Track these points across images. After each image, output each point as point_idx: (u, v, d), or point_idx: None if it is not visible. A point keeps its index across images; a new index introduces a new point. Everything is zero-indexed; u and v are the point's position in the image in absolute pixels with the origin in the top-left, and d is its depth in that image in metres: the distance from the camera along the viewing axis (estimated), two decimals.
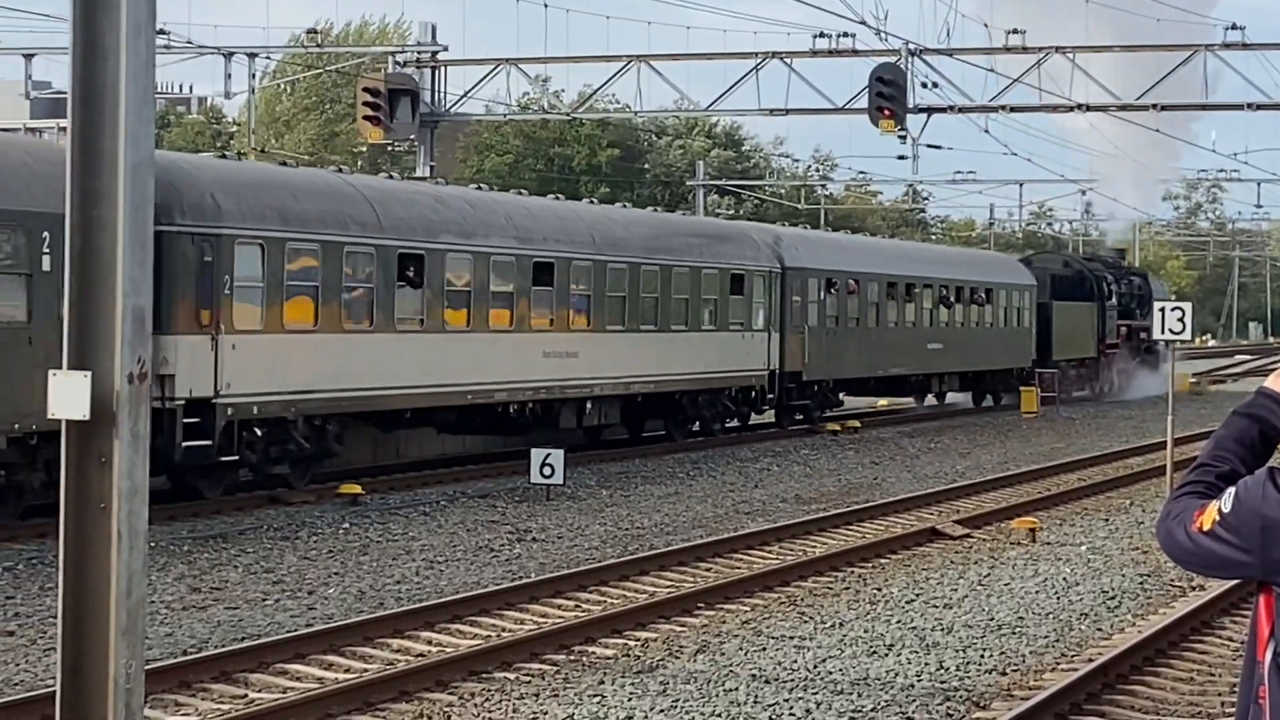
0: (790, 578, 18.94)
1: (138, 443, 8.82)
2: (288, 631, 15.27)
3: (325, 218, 25.48)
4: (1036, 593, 18.22)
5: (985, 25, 44.94)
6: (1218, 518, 4.05)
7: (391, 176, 31.95)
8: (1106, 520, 24.66)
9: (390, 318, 26.55)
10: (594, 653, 14.79)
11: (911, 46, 40.15)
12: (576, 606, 17.25)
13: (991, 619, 16.60)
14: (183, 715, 12.58)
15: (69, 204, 8.88)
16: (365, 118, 41.38)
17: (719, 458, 32.82)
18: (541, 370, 30.18)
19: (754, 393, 37.56)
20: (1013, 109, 42.37)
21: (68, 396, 8.74)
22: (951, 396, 51.29)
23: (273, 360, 24.09)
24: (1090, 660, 14.38)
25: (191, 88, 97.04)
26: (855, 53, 40.12)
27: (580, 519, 23.69)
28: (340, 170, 29.80)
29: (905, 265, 46.41)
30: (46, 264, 19.95)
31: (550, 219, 31.64)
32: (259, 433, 24.11)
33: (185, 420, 22.50)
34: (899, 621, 16.35)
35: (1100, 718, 12.94)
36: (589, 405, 31.90)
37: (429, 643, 15.25)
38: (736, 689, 13.32)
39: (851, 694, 13.27)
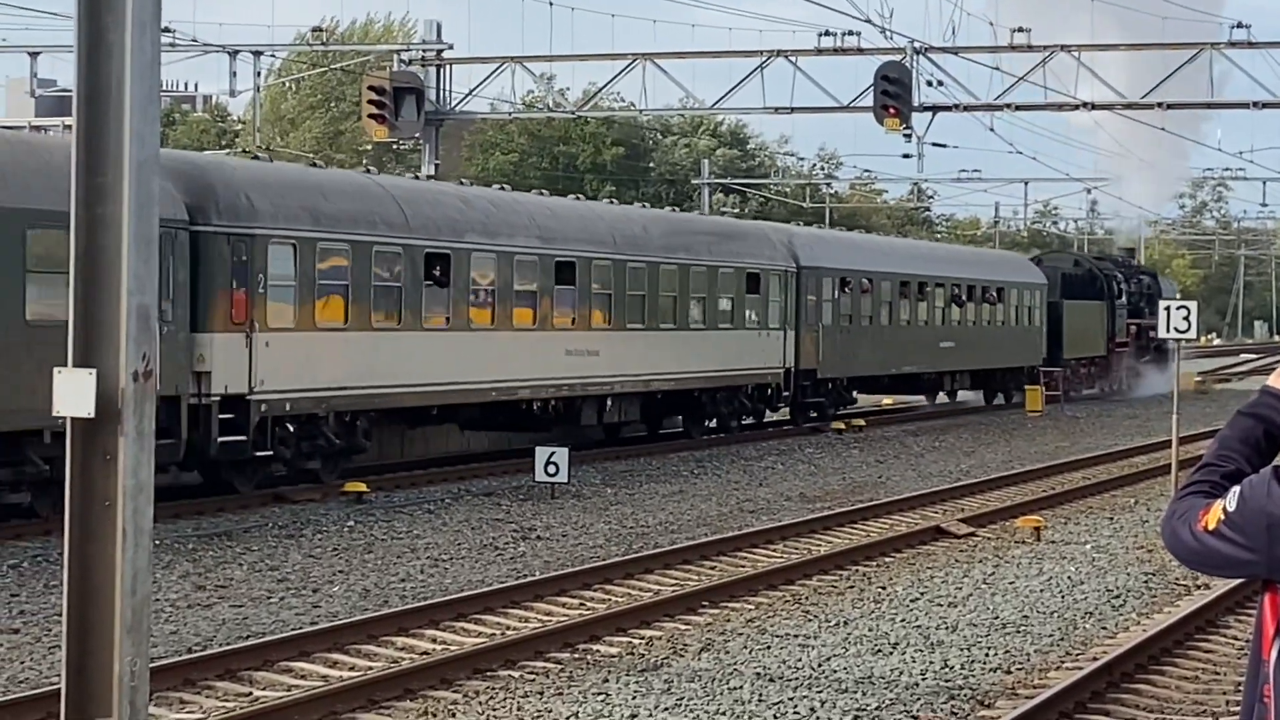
0: (795, 576, 18.94)
1: (143, 440, 8.82)
2: (292, 629, 15.27)
3: (355, 218, 25.98)
4: (1041, 591, 18.21)
5: (991, 23, 45.15)
6: (1223, 517, 4.05)
7: (417, 177, 32.46)
8: (1111, 519, 24.65)
9: (418, 316, 27.05)
10: (598, 651, 14.79)
11: (917, 45, 40.15)
12: (581, 605, 17.25)
13: (996, 617, 16.59)
14: (188, 713, 12.59)
15: (74, 201, 8.89)
16: (370, 116, 41.39)
17: (724, 456, 32.83)
18: (564, 368, 30.69)
19: (770, 390, 38.03)
20: (1018, 107, 42.36)
21: (73, 394, 8.74)
22: (963, 395, 51.53)
23: (305, 357, 24.60)
24: (1095, 659, 14.37)
25: (196, 86, 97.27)
26: (860, 51, 40.11)
27: (585, 517, 23.70)
28: (369, 171, 30.32)
29: (918, 264, 46.82)
30: None
31: (571, 219, 32.21)
32: (291, 428, 24.65)
33: (220, 416, 23.05)
34: (903, 620, 16.35)
35: (1105, 716, 12.93)
36: (609, 402, 32.41)
37: (433, 641, 15.26)
38: (741, 687, 13.32)
39: (856, 692, 13.26)
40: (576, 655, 14.59)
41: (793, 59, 40.92)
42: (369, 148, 70.00)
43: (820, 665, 14.23)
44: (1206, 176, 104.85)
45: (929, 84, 40.55)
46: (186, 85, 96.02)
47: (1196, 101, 41.65)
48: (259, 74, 43.90)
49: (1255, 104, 40.12)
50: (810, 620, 16.25)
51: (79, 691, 8.79)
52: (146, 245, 8.88)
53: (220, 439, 23.01)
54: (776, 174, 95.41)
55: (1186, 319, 24.76)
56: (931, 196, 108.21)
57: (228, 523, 22.23)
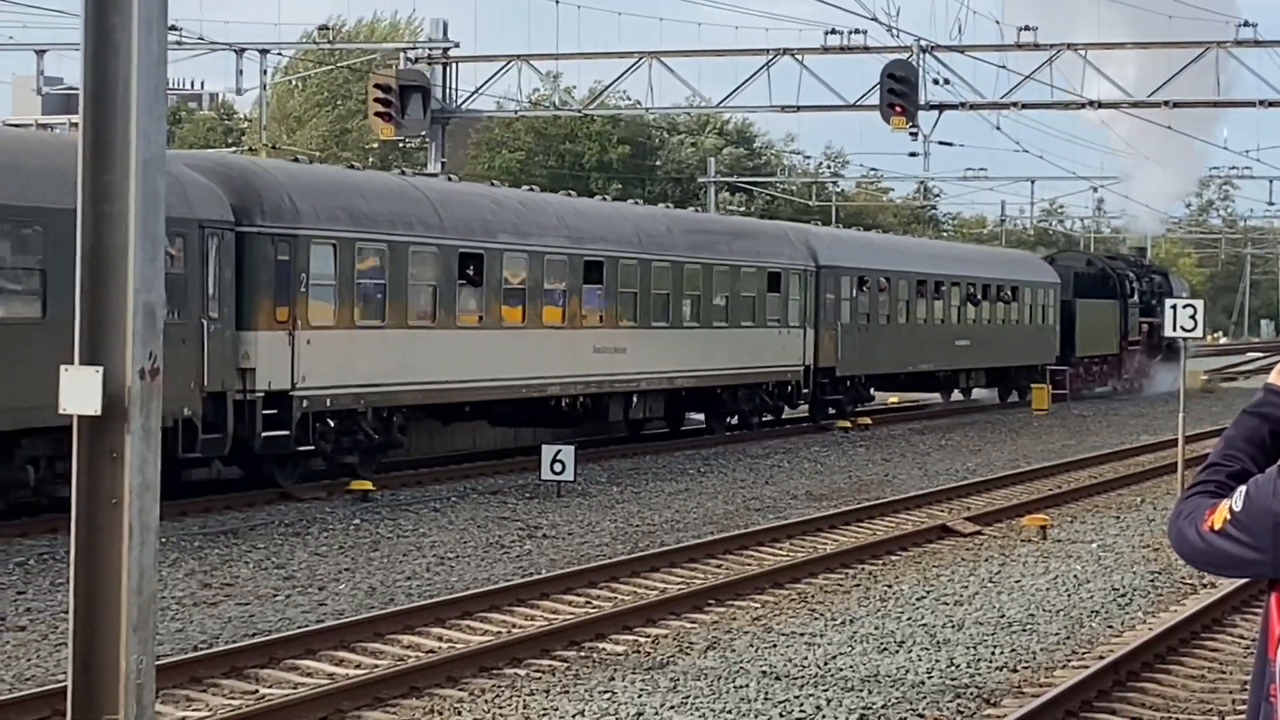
0: (801, 574, 18.94)
1: (149, 438, 8.83)
2: (299, 627, 15.28)
3: (392, 218, 26.59)
4: (1047, 590, 18.21)
5: (997, 22, 45.09)
6: (1229, 517, 4.04)
7: (450, 178, 33.01)
8: (1118, 518, 24.64)
9: (452, 314, 27.69)
10: (604, 649, 14.79)
11: (923, 43, 40.11)
12: (587, 603, 17.25)
13: (1002, 616, 16.59)
14: (194, 711, 12.59)
15: (80, 199, 8.89)
16: (377, 114, 41.38)
17: (730, 454, 32.86)
18: (592, 365, 31.31)
19: (790, 387, 38.56)
20: (1024, 106, 42.32)
21: (79, 392, 8.75)
22: (977, 393, 51.79)
23: (344, 355, 25.20)
24: (1101, 658, 14.36)
25: (203, 84, 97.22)
26: (867, 49, 40.07)
27: (591, 515, 23.70)
28: (403, 173, 30.90)
29: (934, 264, 47.39)
30: None
31: (598, 219, 32.93)
32: (331, 424, 25.21)
33: (264, 412, 23.63)
34: (909, 618, 16.35)
35: (1111, 715, 12.93)
36: (635, 399, 33.02)
37: (439, 639, 15.26)
38: (747, 686, 13.32)
39: (862, 691, 13.26)
40: (582, 653, 14.60)
41: (799, 57, 40.88)
42: (375, 146, 69.99)
43: (826, 664, 14.23)
44: (1213, 175, 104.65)
45: (935, 82, 40.52)
46: (193, 83, 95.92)
47: (1202, 101, 41.61)
48: (265, 72, 43.87)
49: (1262, 103, 40.07)
50: (816, 619, 16.25)
51: (85, 689, 8.80)
52: (153, 243, 8.89)
53: (264, 434, 23.65)
54: (782, 172, 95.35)
55: (1193, 317, 24.75)
56: (937, 195, 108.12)
57: (234, 521, 22.25)
